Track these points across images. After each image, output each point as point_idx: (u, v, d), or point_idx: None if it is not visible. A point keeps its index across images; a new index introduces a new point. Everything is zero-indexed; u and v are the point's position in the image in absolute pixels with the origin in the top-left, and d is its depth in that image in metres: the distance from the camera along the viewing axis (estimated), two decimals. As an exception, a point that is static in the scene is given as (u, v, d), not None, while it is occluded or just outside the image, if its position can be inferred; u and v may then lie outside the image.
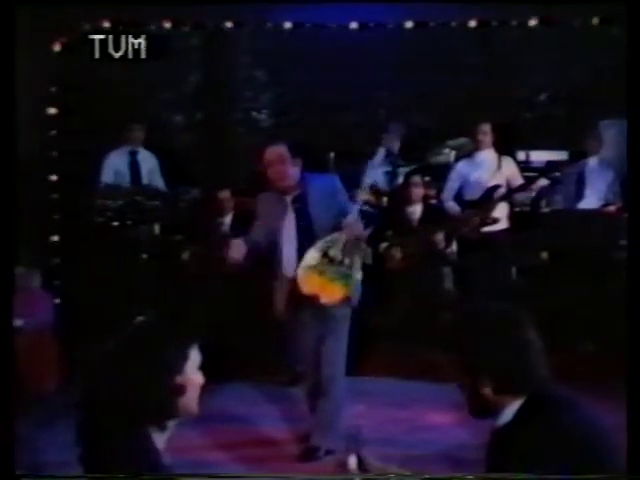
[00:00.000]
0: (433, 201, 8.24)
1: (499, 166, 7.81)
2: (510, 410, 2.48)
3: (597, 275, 7.25)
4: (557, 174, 7.87)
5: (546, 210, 8.13)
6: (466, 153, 8.34)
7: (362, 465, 2.49)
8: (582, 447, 2.35)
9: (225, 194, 8.29)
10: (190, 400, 2.26)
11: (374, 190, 8.27)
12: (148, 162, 8.58)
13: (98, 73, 8.38)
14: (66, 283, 8.18)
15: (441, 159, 9.01)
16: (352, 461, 2.48)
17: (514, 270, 7.96)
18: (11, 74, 3.90)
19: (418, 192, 8.00)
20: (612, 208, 7.53)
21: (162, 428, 2.22)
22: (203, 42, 9.68)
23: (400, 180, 8.60)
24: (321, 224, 5.14)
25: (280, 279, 5.30)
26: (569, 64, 9.23)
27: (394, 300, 7.66)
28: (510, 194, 7.71)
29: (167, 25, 8.49)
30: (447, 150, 9.02)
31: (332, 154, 8.78)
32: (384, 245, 7.73)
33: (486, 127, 7.84)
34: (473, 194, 7.81)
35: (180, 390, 2.22)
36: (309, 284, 5.07)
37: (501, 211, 7.67)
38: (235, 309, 7.56)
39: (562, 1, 8.18)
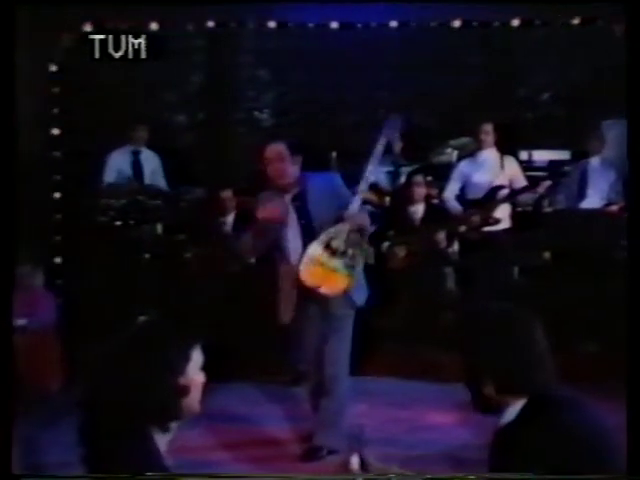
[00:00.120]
0: (435, 201, 8.24)
1: (501, 166, 7.81)
2: (513, 410, 2.48)
3: (600, 275, 7.25)
4: (559, 174, 7.87)
5: (548, 210, 8.13)
6: (468, 153, 8.34)
7: (364, 465, 2.49)
8: (585, 447, 2.35)
9: (227, 193, 8.30)
10: (193, 400, 2.26)
11: (376, 190, 8.28)
12: (151, 162, 8.58)
13: (101, 73, 8.39)
14: (68, 282, 8.19)
15: (443, 159, 9.02)
16: (354, 461, 2.48)
17: (516, 270, 7.95)
18: (11, 74, 3.90)
19: (420, 192, 8.00)
20: (614, 208, 7.53)
21: (165, 429, 2.21)
22: (205, 42, 9.68)
23: (402, 180, 8.61)
24: (322, 222, 5.13)
25: (282, 278, 5.30)
26: (571, 64, 9.23)
27: (396, 300, 7.66)
28: (513, 196, 7.70)
29: (169, 25, 8.50)
30: (449, 150, 9.02)
31: (334, 153, 8.79)
32: (386, 244, 7.73)
33: (488, 127, 7.84)
34: (475, 194, 7.81)
35: (184, 391, 2.21)
36: (312, 276, 5.07)
37: (503, 211, 7.67)
38: (238, 308, 7.56)
39: (564, 1, 8.18)
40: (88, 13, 7.87)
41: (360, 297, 5.30)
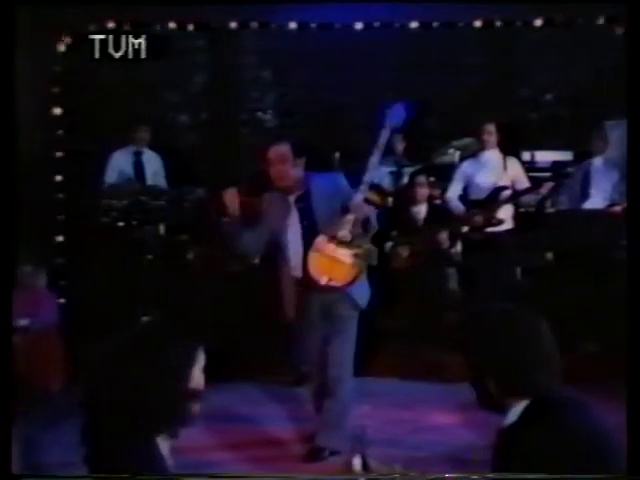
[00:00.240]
0: (438, 201, 8.23)
1: (504, 166, 7.80)
2: (516, 410, 2.48)
3: (602, 275, 7.24)
4: (562, 174, 7.86)
5: (551, 210, 8.12)
6: (471, 153, 8.33)
7: (367, 466, 2.48)
8: (588, 448, 2.35)
9: (228, 194, 8.28)
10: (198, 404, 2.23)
11: (379, 190, 8.27)
12: (153, 163, 8.58)
13: (103, 73, 8.39)
14: (71, 283, 8.19)
15: (446, 159, 9.01)
16: (357, 462, 2.48)
17: (519, 271, 7.95)
18: (11, 74, 3.90)
19: (423, 192, 8.00)
20: (617, 208, 7.52)
21: (174, 435, 2.18)
22: (208, 42, 9.68)
23: (405, 180, 8.60)
24: (325, 223, 5.13)
25: (285, 278, 5.30)
26: (574, 64, 9.21)
27: (399, 300, 7.65)
28: (516, 196, 7.70)
29: (172, 25, 8.50)
30: (452, 150, 9.01)
31: (337, 154, 8.79)
32: (389, 245, 7.72)
33: (491, 127, 7.84)
34: (478, 194, 7.81)
35: (193, 395, 2.18)
36: (318, 267, 5.06)
37: (506, 212, 7.67)
38: (240, 309, 7.56)
39: (567, 1, 8.17)
40: (88, 13, 7.87)
41: (363, 298, 5.30)
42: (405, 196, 8.19)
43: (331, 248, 5.06)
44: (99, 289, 7.90)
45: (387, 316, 7.41)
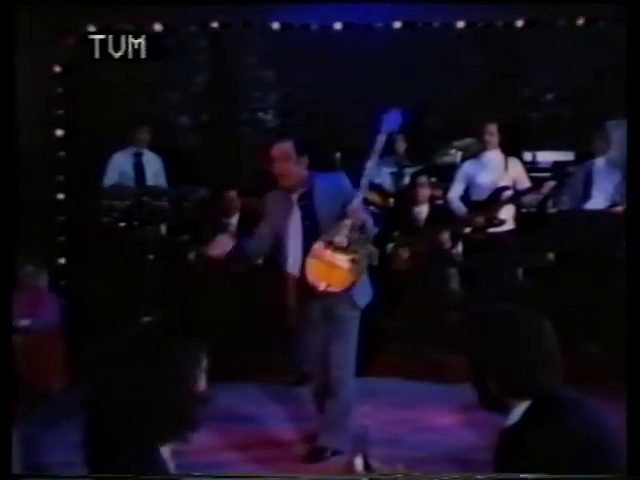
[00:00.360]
0: (439, 202, 8.23)
1: (505, 167, 7.80)
2: (518, 411, 2.47)
3: (604, 276, 7.24)
4: (564, 175, 7.85)
5: (553, 211, 8.11)
6: (472, 153, 8.33)
7: (368, 466, 2.48)
8: (590, 448, 2.34)
9: (232, 194, 8.30)
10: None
11: (380, 191, 8.28)
12: (153, 164, 8.58)
13: (105, 74, 8.39)
14: (72, 283, 8.19)
15: (447, 159, 9.01)
16: (358, 462, 2.47)
17: (520, 271, 7.94)
18: (11, 74, 3.89)
19: (424, 193, 8.00)
20: (619, 209, 7.50)
21: (184, 440, 2.16)
22: (209, 43, 9.68)
23: (406, 181, 8.60)
24: (327, 222, 5.13)
25: (286, 278, 5.29)
26: (576, 64, 9.21)
27: (400, 300, 7.65)
28: (517, 197, 7.69)
29: (172, 26, 8.50)
30: (453, 151, 9.01)
31: (338, 154, 8.78)
32: (390, 245, 7.72)
33: (492, 127, 7.84)
34: (479, 195, 7.81)
35: (203, 398, 2.16)
36: (316, 273, 5.06)
37: (507, 212, 7.67)
38: (241, 309, 7.56)
39: (569, 0, 8.16)
40: (89, 13, 7.87)
41: (364, 298, 5.29)
42: (406, 196, 8.19)
43: (328, 254, 5.05)
44: (100, 289, 7.90)
45: (388, 316, 7.41)
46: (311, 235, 5.13)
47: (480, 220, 7.61)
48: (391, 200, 8.39)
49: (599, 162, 7.91)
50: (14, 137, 4.25)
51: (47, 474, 4.06)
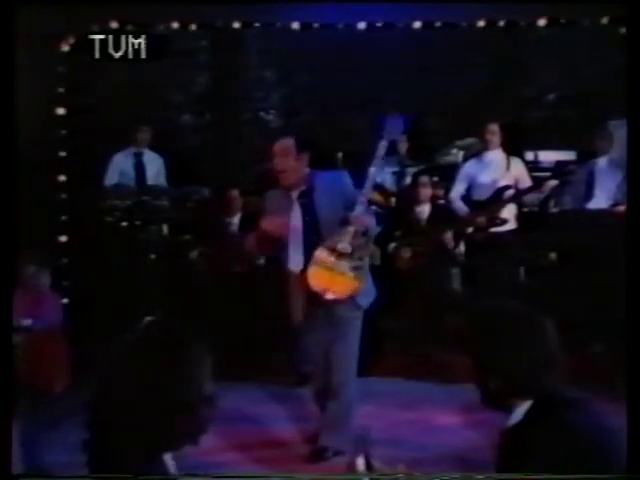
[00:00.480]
0: (441, 201, 8.23)
1: (507, 166, 7.80)
2: (520, 410, 2.47)
3: (606, 275, 7.22)
4: (566, 174, 7.84)
5: (555, 210, 8.10)
6: (474, 153, 8.33)
7: (370, 466, 2.48)
8: (592, 448, 2.34)
9: (234, 194, 8.31)
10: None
11: (382, 190, 8.27)
12: (154, 164, 8.58)
13: (106, 74, 8.40)
14: (74, 283, 8.19)
15: (449, 159, 9.00)
16: (360, 462, 2.47)
17: (522, 270, 7.93)
18: (11, 75, 3.89)
19: (426, 192, 8.00)
20: (621, 208, 7.49)
21: (196, 443, 2.14)
22: (211, 42, 9.68)
23: (408, 180, 8.60)
24: (328, 219, 5.12)
25: (287, 278, 5.29)
26: (578, 64, 9.19)
27: (402, 300, 7.64)
28: (519, 196, 7.69)
29: (175, 25, 8.50)
30: (455, 150, 9.01)
31: (340, 154, 8.78)
32: (392, 245, 7.72)
33: (494, 127, 7.84)
34: (481, 194, 7.81)
35: (212, 399, 2.15)
36: (318, 279, 5.05)
37: (509, 211, 7.66)
38: (243, 309, 7.56)
39: (571, 0, 8.16)
40: (89, 13, 7.87)
41: (367, 299, 5.29)
42: (408, 196, 8.18)
43: (331, 261, 5.04)
44: (102, 289, 7.90)
45: (390, 316, 7.41)
46: (311, 233, 5.12)
47: (482, 220, 7.61)
48: (393, 200, 8.39)
49: (601, 162, 7.90)
50: (15, 137, 4.25)
51: (47, 474, 4.06)
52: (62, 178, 8.51)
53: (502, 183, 7.71)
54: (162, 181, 8.57)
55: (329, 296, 5.05)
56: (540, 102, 9.60)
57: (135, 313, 6.99)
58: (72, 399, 5.85)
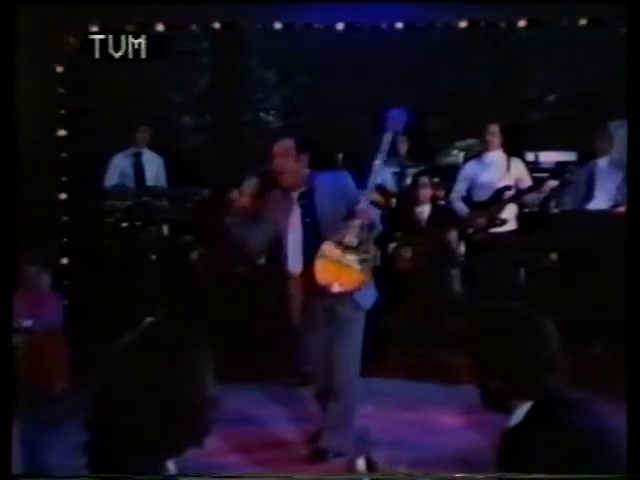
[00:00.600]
0: (441, 202, 8.23)
1: (508, 167, 7.81)
2: (521, 411, 2.47)
3: (607, 276, 7.22)
4: (566, 175, 7.84)
5: (555, 211, 8.11)
6: (475, 154, 8.33)
7: (371, 467, 2.48)
8: (593, 449, 2.34)
9: (234, 194, 8.30)
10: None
11: (383, 191, 8.28)
12: (153, 164, 8.59)
13: (107, 74, 8.40)
14: (75, 284, 8.19)
15: (450, 160, 9.01)
16: (361, 463, 2.47)
17: (523, 271, 7.93)
18: (11, 75, 3.89)
19: (426, 193, 8.00)
20: (621, 209, 7.50)
21: (200, 445, 2.13)
22: (211, 43, 9.68)
23: (409, 181, 8.60)
24: (328, 220, 5.12)
25: (287, 279, 5.28)
26: (578, 64, 9.20)
27: (403, 300, 7.65)
28: (519, 195, 7.70)
29: (175, 26, 8.50)
30: (456, 151, 9.02)
31: (340, 155, 8.78)
32: (393, 245, 7.72)
33: (494, 128, 7.84)
34: (482, 195, 7.81)
35: (215, 400, 2.14)
36: (325, 273, 5.04)
37: (510, 212, 7.66)
38: (244, 309, 7.55)
39: (572, 1, 8.15)
40: (89, 13, 7.87)
41: (369, 300, 5.28)
42: (409, 197, 8.19)
43: (338, 254, 5.05)
44: (103, 290, 7.90)
45: (390, 316, 7.40)
46: (311, 234, 5.12)
47: (482, 220, 7.61)
48: (393, 200, 8.40)
49: (602, 162, 7.90)
50: (15, 137, 4.25)
51: (47, 474, 4.06)
52: (63, 178, 8.50)
53: (502, 184, 7.72)
54: (162, 181, 8.58)
55: (336, 289, 5.05)
56: (540, 103, 9.61)
57: (135, 314, 6.99)
58: (72, 400, 5.85)
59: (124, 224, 7.94)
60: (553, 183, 7.60)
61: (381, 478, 2.48)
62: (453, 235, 7.66)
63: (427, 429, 5.83)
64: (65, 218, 8.48)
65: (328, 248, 5.05)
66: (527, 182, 7.80)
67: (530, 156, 8.76)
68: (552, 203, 8.08)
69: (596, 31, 8.43)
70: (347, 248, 5.04)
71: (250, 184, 7.99)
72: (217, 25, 8.66)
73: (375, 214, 5.24)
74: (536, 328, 2.52)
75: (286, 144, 5.20)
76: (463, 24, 8.47)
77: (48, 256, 7.71)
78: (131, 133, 8.52)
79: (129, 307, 7.36)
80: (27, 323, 6.56)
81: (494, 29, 8.67)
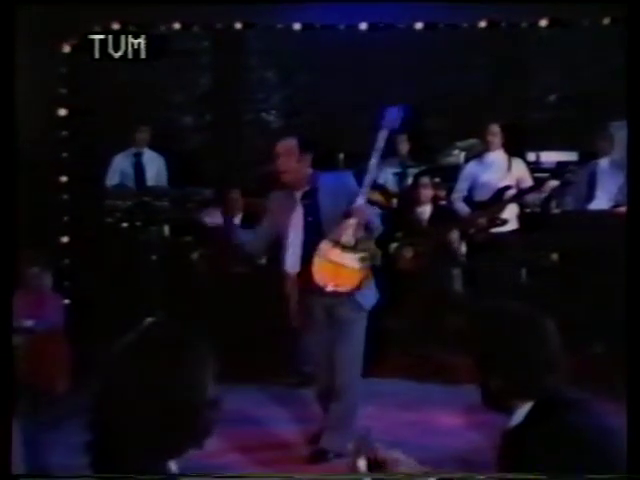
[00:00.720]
0: (443, 202, 8.23)
1: (509, 167, 7.81)
2: (522, 411, 2.47)
3: (607, 276, 7.22)
4: (567, 175, 7.84)
5: (556, 211, 8.10)
6: (476, 154, 8.33)
7: (371, 467, 2.47)
8: (593, 449, 2.34)
9: (235, 194, 8.30)
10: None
11: (384, 191, 8.27)
12: (154, 164, 8.59)
13: (107, 74, 8.39)
14: (76, 284, 8.19)
15: (451, 160, 9.00)
16: (361, 463, 2.46)
17: (524, 271, 7.93)
18: (11, 75, 3.89)
19: (427, 193, 8.00)
20: (622, 209, 7.49)
21: (201, 446, 2.13)
22: (212, 43, 9.68)
23: (410, 181, 8.60)
24: (331, 220, 5.11)
25: (288, 279, 5.28)
26: (579, 64, 9.19)
27: (404, 300, 7.64)
28: (520, 195, 7.70)
29: (175, 26, 8.50)
30: (457, 151, 9.01)
31: (341, 155, 8.78)
32: (394, 246, 7.72)
33: (495, 128, 7.84)
34: (483, 195, 7.81)
35: (216, 403, 2.14)
36: (323, 273, 5.05)
37: (511, 212, 7.66)
38: (245, 310, 7.55)
39: (572, 1, 8.15)
40: (89, 13, 7.88)
41: (371, 300, 5.28)
42: (410, 197, 8.19)
43: (336, 253, 5.05)
44: (103, 290, 7.90)
45: (391, 317, 7.40)
46: (313, 233, 5.12)
47: (483, 220, 7.61)
48: (394, 200, 8.39)
49: (603, 163, 7.90)
50: (15, 138, 4.25)
51: (47, 474, 4.05)
52: (63, 179, 8.51)
53: (503, 184, 7.71)
54: (163, 181, 8.58)
55: (334, 289, 5.05)
56: (541, 103, 9.60)
57: (136, 314, 6.99)
58: (73, 400, 5.85)
59: (125, 224, 7.94)
60: (554, 183, 7.60)
61: (381, 478, 2.47)
62: (454, 235, 7.66)
63: (428, 429, 5.83)
64: (66, 218, 8.48)
65: (325, 247, 5.05)
66: (528, 182, 7.80)
67: (531, 156, 8.74)
68: (553, 203, 8.08)
69: (596, 31, 8.43)
70: (344, 247, 5.04)
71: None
72: (217, 25, 8.67)
73: (371, 213, 5.24)
74: (537, 328, 2.52)
75: (289, 143, 5.21)
76: (464, 24, 8.47)
77: (49, 256, 7.71)
78: (131, 133, 8.52)
79: (130, 307, 7.36)
80: (28, 323, 6.56)
81: (495, 29, 8.67)
